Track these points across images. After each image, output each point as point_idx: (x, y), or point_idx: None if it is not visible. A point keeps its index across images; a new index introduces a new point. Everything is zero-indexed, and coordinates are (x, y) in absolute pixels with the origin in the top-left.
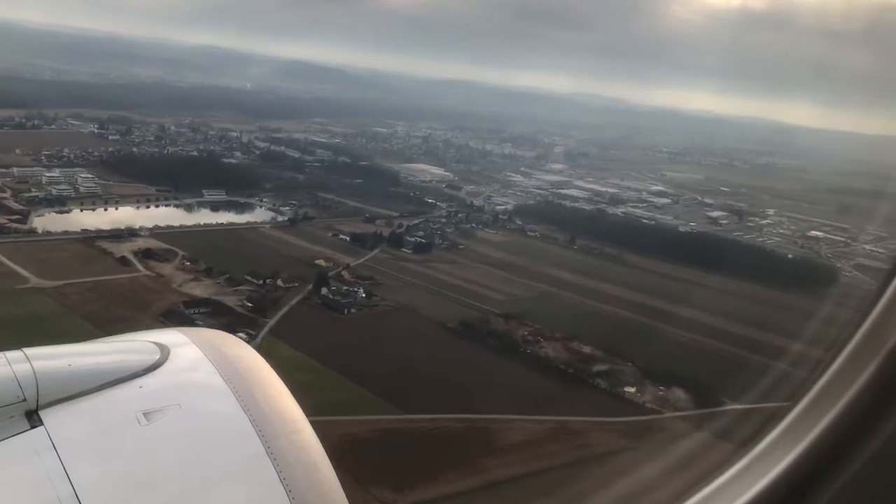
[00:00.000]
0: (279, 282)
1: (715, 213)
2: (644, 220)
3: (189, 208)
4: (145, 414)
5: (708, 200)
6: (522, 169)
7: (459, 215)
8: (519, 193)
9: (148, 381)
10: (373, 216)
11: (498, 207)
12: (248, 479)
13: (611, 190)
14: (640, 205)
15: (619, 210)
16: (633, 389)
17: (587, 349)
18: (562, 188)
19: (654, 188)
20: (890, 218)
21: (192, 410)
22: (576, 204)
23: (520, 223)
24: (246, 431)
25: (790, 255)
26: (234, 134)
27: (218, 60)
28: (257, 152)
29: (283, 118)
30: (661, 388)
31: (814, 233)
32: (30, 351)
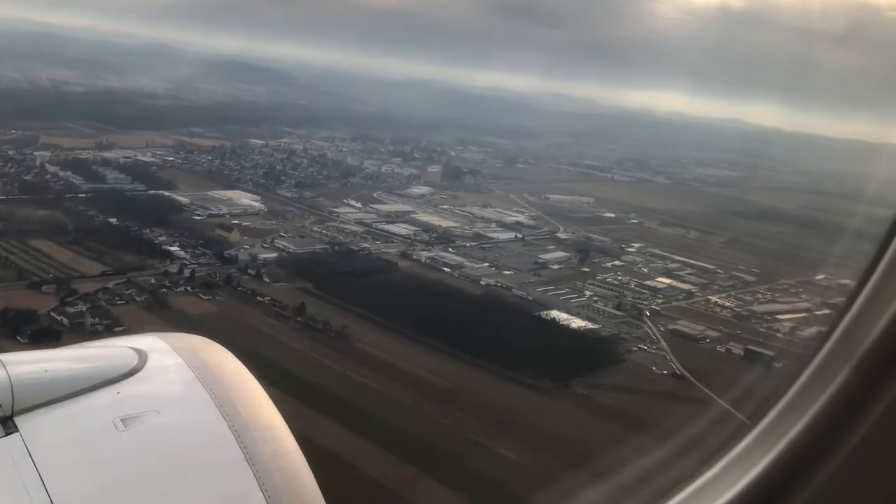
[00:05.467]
0: None
1: (549, 255)
2: (445, 269)
3: None
4: (123, 420)
5: (563, 235)
6: (375, 194)
7: (184, 272)
8: (323, 232)
9: (125, 387)
10: (59, 277)
11: (262, 256)
12: (227, 487)
13: (448, 224)
14: (469, 243)
15: (430, 253)
16: None
17: None
18: (393, 222)
19: (512, 218)
20: (769, 250)
21: (171, 417)
22: (376, 244)
23: (267, 280)
24: (225, 438)
25: (573, 325)
26: (38, 153)
27: (150, 58)
28: (29, 178)
29: (149, 129)
30: None
31: (661, 279)
32: (5, 357)
